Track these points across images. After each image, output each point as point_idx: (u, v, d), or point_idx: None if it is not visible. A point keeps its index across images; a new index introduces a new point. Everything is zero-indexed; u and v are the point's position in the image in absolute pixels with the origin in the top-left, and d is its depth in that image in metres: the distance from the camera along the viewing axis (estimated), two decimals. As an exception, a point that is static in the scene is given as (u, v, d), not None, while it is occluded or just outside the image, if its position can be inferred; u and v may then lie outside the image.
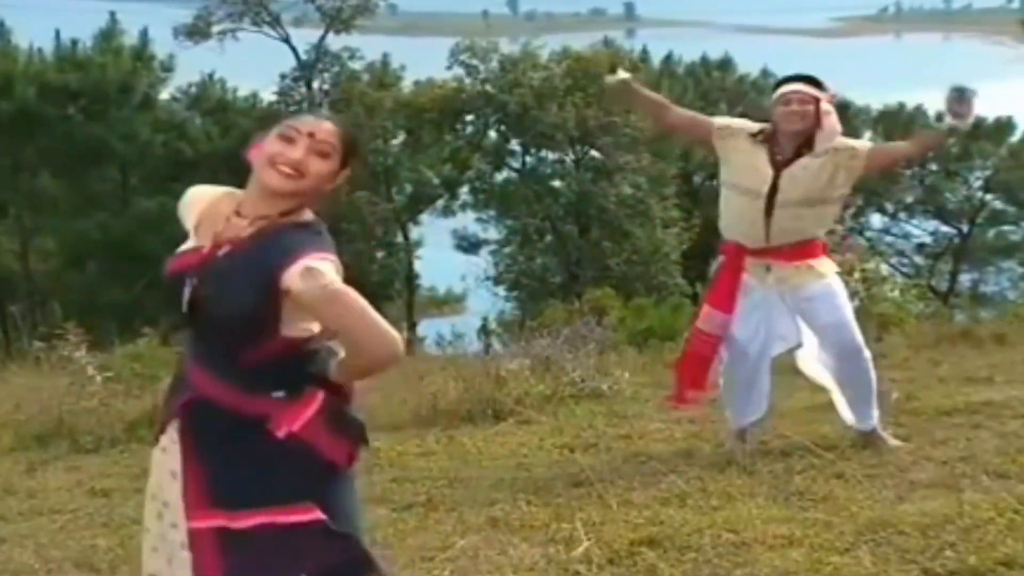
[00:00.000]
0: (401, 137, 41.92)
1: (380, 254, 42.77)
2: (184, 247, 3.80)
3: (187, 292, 3.67)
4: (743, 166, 6.92)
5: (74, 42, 39.22)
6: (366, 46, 42.20)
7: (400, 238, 42.35)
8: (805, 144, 6.85)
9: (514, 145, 41.08)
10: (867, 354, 7.00)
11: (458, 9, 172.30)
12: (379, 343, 3.59)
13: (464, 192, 43.31)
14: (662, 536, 5.55)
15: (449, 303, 49.22)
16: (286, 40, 41.24)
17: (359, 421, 3.82)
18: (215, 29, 40.88)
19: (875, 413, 7.09)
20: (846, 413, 7.21)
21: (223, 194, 3.97)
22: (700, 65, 47.94)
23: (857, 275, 12.37)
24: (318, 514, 3.66)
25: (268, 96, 41.78)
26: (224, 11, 40.77)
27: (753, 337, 7.00)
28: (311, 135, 3.82)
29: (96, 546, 6.15)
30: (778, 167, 6.82)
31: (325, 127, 3.89)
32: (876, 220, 45.35)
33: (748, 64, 48.99)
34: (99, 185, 38.95)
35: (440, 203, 43.18)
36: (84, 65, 37.96)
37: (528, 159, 41.19)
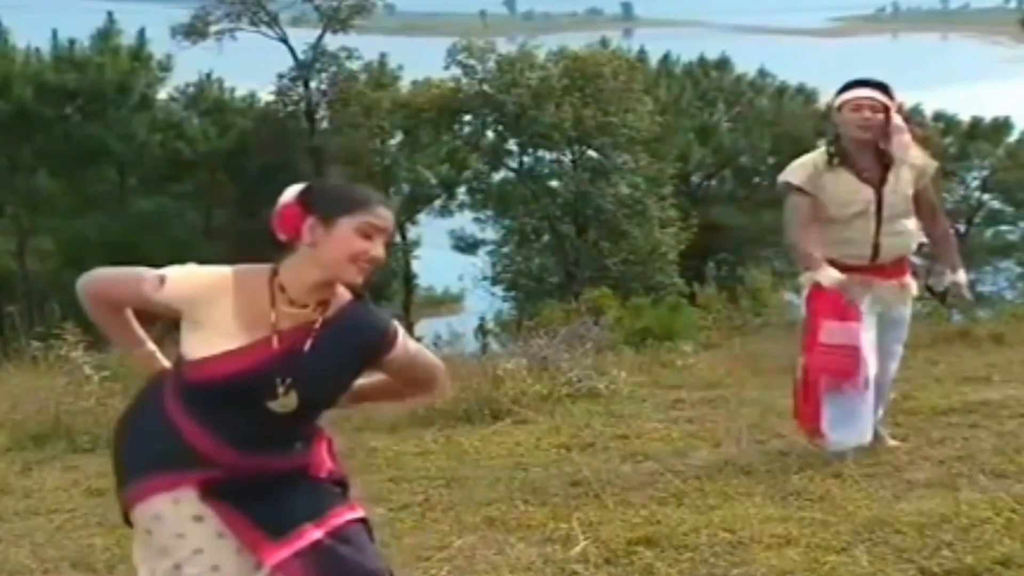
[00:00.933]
0: (399, 137, 41.93)
1: (378, 254, 42.71)
2: (232, 346, 3.62)
3: (282, 390, 3.62)
4: (842, 195, 6.67)
5: (71, 42, 39.21)
6: (364, 46, 42.19)
7: (398, 238, 42.33)
8: (883, 154, 6.67)
9: (511, 145, 41.06)
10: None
11: (455, 9, 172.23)
12: (440, 374, 4.09)
13: (462, 192, 43.32)
14: (659, 536, 5.55)
15: (447, 303, 49.22)
16: (284, 40, 41.23)
17: None
18: (213, 29, 40.87)
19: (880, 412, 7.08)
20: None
21: (248, 279, 3.70)
22: (697, 65, 47.93)
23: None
24: (362, 511, 3.91)
25: (266, 96, 41.82)
26: (222, 11, 40.75)
27: (867, 351, 6.73)
28: (384, 231, 3.71)
29: (93, 545, 6.14)
30: (872, 183, 6.66)
31: (390, 219, 3.76)
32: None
33: (745, 64, 49.02)
34: (97, 185, 38.97)
35: (438, 203, 43.19)
36: (82, 65, 37.95)
37: (525, 159, 41.19)
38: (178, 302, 3.65)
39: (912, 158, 6.71)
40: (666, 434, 8.01)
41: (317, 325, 3.65)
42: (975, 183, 45.41)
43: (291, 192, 3.70)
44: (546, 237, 40.90)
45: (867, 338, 6.72)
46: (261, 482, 3.71)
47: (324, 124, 41.52)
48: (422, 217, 43.36)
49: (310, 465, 3.81)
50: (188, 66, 41.30)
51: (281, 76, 40.97)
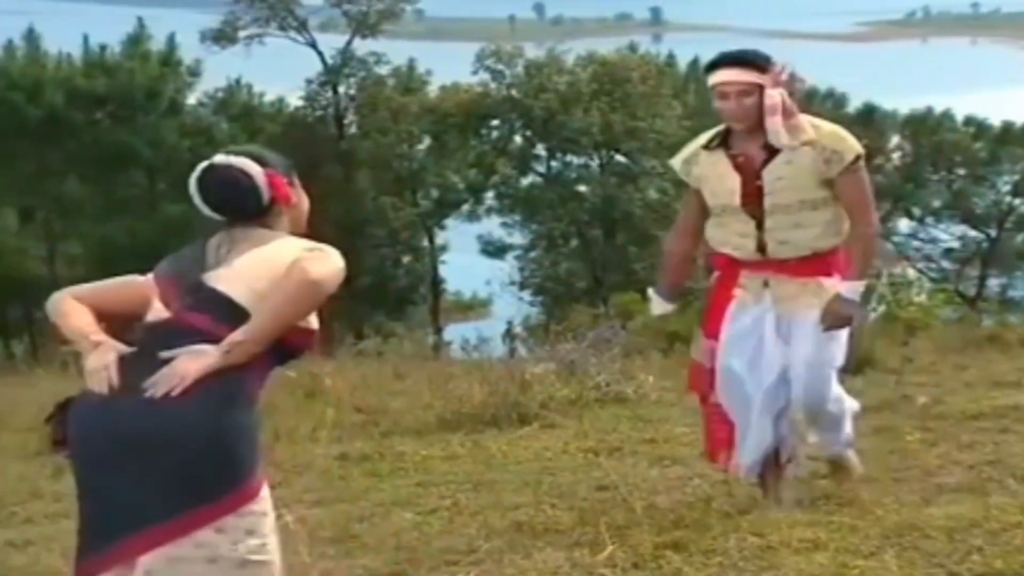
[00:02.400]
0: (426, 142, 42.01)
1: (406, 259, 42.89)
2: None
3: None
4: (712, 182, 5.79)
5: (102, 47, 39.43)
6: (392, 51, 42.29)
7: (425, 243, 42.42)
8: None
9: (539, 150, 41.13)
10: (835, 402, 5.96)
11: (484, 14, 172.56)
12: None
13: (489, 197, 43.34)
14: (687, 540, 5.53)
15: (474, 307, 49.27)
16: (312, 45, 41.35)
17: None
18: (242, 34, 41.04)
19: (844, 435, 6.16)
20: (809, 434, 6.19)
21: None
22: (726, 70, 47.86)
23: (884, 279, 12.34)
24: None
25: (294, 101, 41.92)
26: (251, 16, 40.92)
27: (750, 368, 5.87)
28: None
29: (121, 548, 6.17)
30: (746, 170, 5.68)
31: None
32: (903, 225, 45.20)
33: (774, 69, 48.92)
34: (126, 190, 39.13)
35: (465, 208, 43.22)
36: (112, 70, 38.15)
37: (553, 164, 41.23)
38: None
39: (814, 135, 5.60)
40: (694, 438, 7.96)
41: None
42: (1006, 188, 45.14)
43: (254, 166, 3.98)
44: (574, 242, 40.92)
45: (739, 360, 5.89)
46: None
47: (352, 129, 41.63)
48: (450, 222, 43.41)
49: None
50: (217, 71, 41.47)
51: (310, 81, 41.10)
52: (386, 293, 40.76)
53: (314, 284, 3.75)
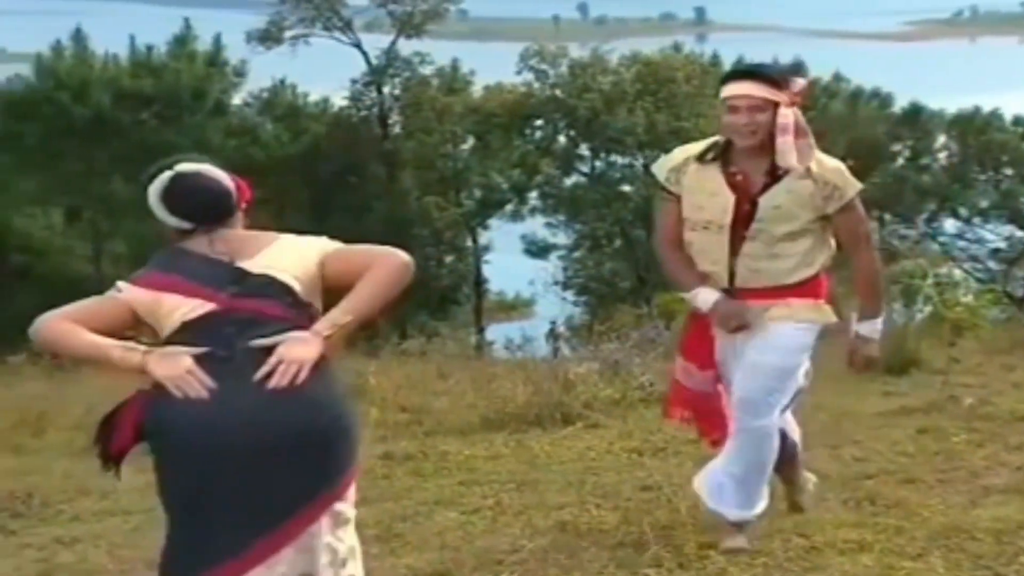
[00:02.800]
0: (470, 142, 42.06)
1: (449, 258, 42.94)
2: None
3: None
4: (700, 197, 5.39)
5: (149, 48, 39.64)
6: (436, 51, 42.37)
7: (469, 243, 42.46)
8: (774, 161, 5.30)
9: (583, 150, 41.09)
10: (773, 429, 5.51)
11: (528, 14, 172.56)
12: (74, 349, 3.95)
13: (533, 197, 43.32)
14: (732, 540, 5.52)
15: (518, 307, 49.24)
16: (357, 45, 41.48)
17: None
18: (287, 34, 41.23)
19: (760, 504, 5.58)
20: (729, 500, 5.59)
21: None
22: (771, 69, 47.63)
23: (930, 280, 12.26)
24: None
25: (339, 101, 42.04)
26: (296, 16, 41.10)
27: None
28: None
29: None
30: (742, 190, 5.31)
31: None
32: (950, 225, 44.88)
33: (819, 68, 48.64)
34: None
35: (509, 208, 43.22)
36: (158, 71, 38.36)
37: (597, 164, 41.18)
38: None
39: (816, 169, 5.27)
40: (738, 439, 7.95)
41: None
42: (1058, 188, 44.77)
43: (220, 171, 4.13)
44: (617, 241, 40.86)
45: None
46: None
47: (396, 129, 41.72)
48: (493, 222, 43.42)
49: None
50: (262, 72, 41.64)
51: (354, 81, 41.24)
52: (430, 293, 40.79)
53: (408, 266, 3.89)
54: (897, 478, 6.46)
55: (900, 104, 46.41)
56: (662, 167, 5.55)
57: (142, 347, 3.83)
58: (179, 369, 3.73)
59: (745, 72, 5.38)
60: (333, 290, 3.95)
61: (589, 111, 38.21)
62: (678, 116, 37.56)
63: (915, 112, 45.34)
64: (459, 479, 7.26)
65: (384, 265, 3.88)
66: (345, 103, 41.69)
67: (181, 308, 3.84)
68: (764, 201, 5.28)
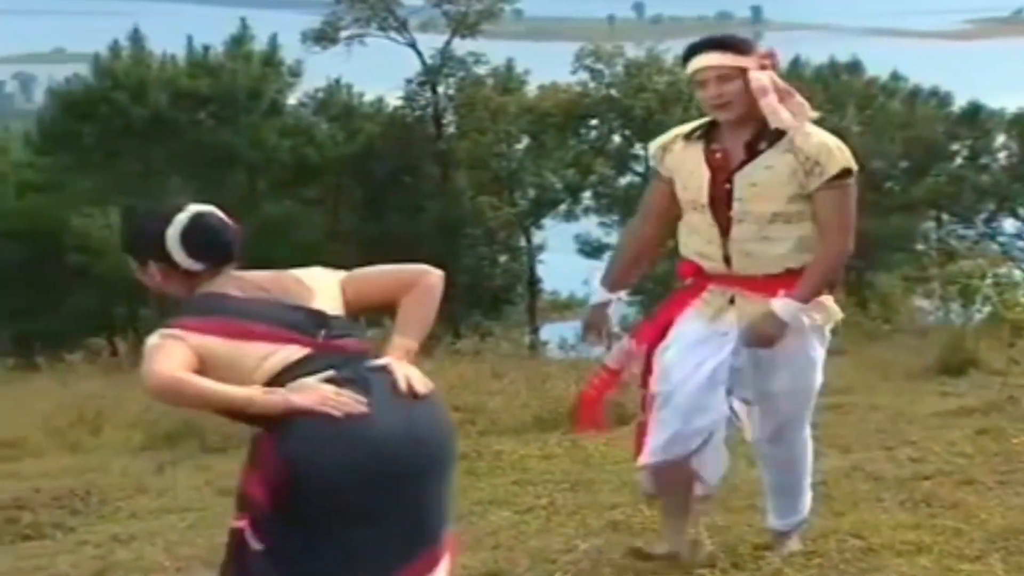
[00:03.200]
0: (525, 142, 42.06)
1: (503, 258, 42.97)
2: None
3: None
4: (683, 175, 5.16)
5: (206, 48, 39.90)
6: (491, 51, 42.39)
7: (523, 242, 42.46)
8: (760, 133, 5.01)
9: (638, 149, 40.98)
10: (807, 441, 5.38)
11: (583, 13, 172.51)
12: (213, 402, 3.73)
13: (587, 196, 43.26)
14: (787, 541, 5.48)
15: (572, 307, 49.12)
16: (412, 45, 41.56)
17: (273, 469, 3.70)
18: (343, 34, 41.34)
19: (803, 509, 5.44)
20: (770, 509, 5.52)
21: None
22: (828, 68, 47.36)
23: (989, 280, 12.16)
24: (243, 524, 3.78)
25: (393, 101, 42.12)
26: (352, 16, 41.20)
27: (684, 361, 5.14)
28: None
29: (224, 544, 6.22)
30: (715, 166, 5.06)
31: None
32: (1009, 225, 44.52)
33: (877, 67, 48.36)
34: (227, 190, 39.51)
35: (563, 207, 43.17)
36: (215, 71, 38.60)
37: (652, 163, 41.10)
38: None
39: (799, 143, 4.94)
40: (794, 439, 7.91)
41: None
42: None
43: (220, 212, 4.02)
44: (671, 242, 40.70)
45: (680, 356, 5.15)
46: None
47: (451, 129, 41.78)
48: (547, 221, 43.39)
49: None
50: (318, 71, 41.80)
51: (409, 81, 41.31)
52: (483, 292, 40.86)
53: (442, 280, 4.00)
54: (955, 479, 6.40)
55: (959, 103, 46.04)
56: (654, 145, 5.34)
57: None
58: (327, 392, 3.67)
59: (705, 44, 5.07)
60: (350, 314, 3.98)
61: (644, 111, 38.15)
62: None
63: (974, 111, 44.97)
64: (513, 479, 7.25)
65: (428, 285, 3.96)
66: (400, 103, 41.77)
67: (276, 355, 3.75)
68: (739, 178, 5.00)
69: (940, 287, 15.66)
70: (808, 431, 5.34)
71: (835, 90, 45.30)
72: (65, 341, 17.48)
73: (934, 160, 43.76)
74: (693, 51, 5.05)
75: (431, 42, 42.08)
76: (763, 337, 4.96)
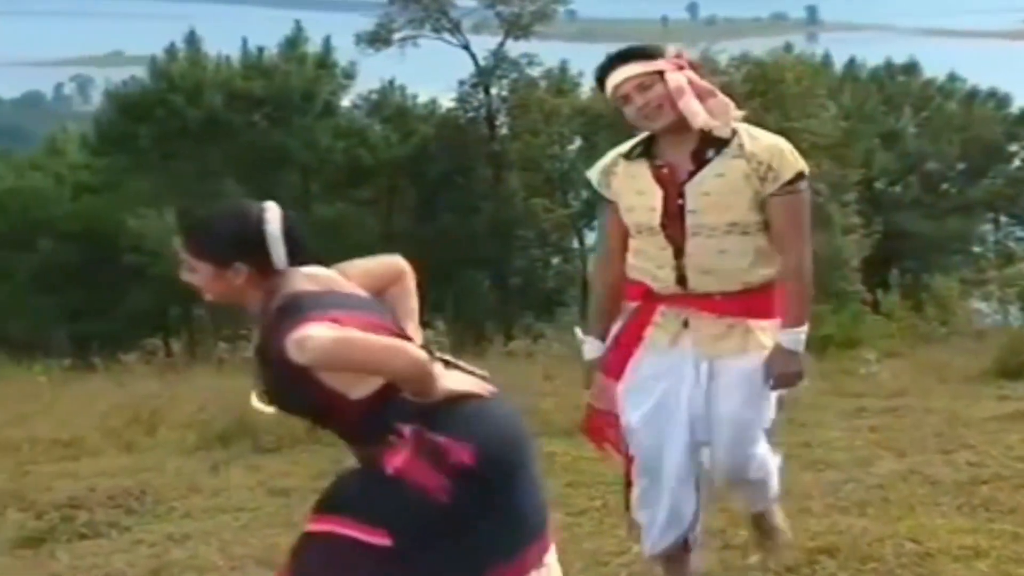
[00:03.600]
0: (577, 143, 42.00)
1: (555, 260, 42.98)
2: None
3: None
4: (629, 197, 4.84)
5: (260, 50, 40.10)
6: (544, 52, 42.40)
7: (576, 244, 42.41)
8: (704, 141, 4.73)
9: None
10: (759, 467, 4.99)
11: (637, 15, 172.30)
12: (393, 362, 3.61)
13: (641, 198, 43.15)
14: (842, 545, 5.44)
15: (625, 309, 49.17)
16: (465, 47, 41.61)
17: (455, 453, 3.66)
18: (396, 36, 41.41)
19: (771, 491, 5.16)
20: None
21: None
22: (884, 69, 47.10)
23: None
24: (384, 540, 3.61)
25: (447, 102, 42.19)
26: (405, 18, 41.29)
27: (657, 428, 4.87)
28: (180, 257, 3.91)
29: (277, 544, 6.22)
30: (664, 181, 4.73)
31: (179, 246, 3.90)
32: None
33: (934, 68, 48.05)
34: (280, 191, 39.62)
35: (616, 209, 43.03)
36: (269, 73, 38.79)
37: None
38: None
39: (749, 147, 4.73)
40: (849, 443, 7.86)
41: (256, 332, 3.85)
42: None
43: None
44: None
45: (643, 418, 4.88)
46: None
47: (504, 130, 41.80)
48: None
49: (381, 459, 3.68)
50: (371, 73, 41.92)
51: (462, 82, 41.37)
52: (536, 294, 40.87)
53: None
54: (1013, 483, 6.33)
55: (1017, 104, 45.68)
56: (594, 170, 4.99)
57: None
58: (464, 375, 3.83)
59: (613, 60, 4.79)
60: None
61: (698, 112, 38.00)
62: (788, 116, 37.17)
63: (1030, 112, 44.66)
64: (566, 481, 7.23)
65: (411, 275, 4.08)
66: (453, 104, 41.84)
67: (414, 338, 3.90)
68: (691, 188, 4.69)
69: (998, 289, 15.55)
70: (764, 446, 4.96)
71: (891, 91, 45.09)
72: (121, 342, 17.60)
73: (992, 162, 43.43)
74: (604, 71, 4.80)
75: (484, 43, 42.13)
76: (788, 377, 4.77)
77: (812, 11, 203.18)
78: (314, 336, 3.47)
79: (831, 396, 9.83)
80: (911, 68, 47.27)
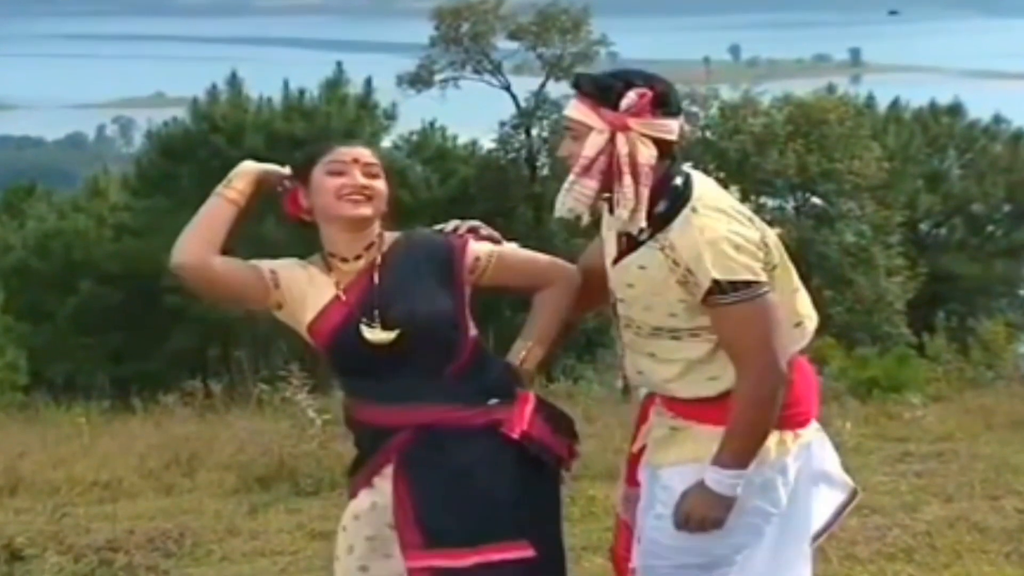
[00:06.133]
0: (619, 184, 41.99)
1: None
2: (311, 316, 3.93)
3: (371, 332, 3.78)
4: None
5: (301, 92, 40.22)
6: (586, 93, 42.40)
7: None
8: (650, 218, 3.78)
9: (733, 192, 40.76)
10: None
11: (679, 56, 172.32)
12: (559, 263, 4.19)
13: (683, 238, 43.06)
14: (888, 593, 5.35)
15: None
16: (507, 88, 41.71)
17: (567, 414, 4.10)
18: (437, 77, 41.57)
19: None
20: None
21: (311, 261, 4.10)
22: (928, 110, 46.90)
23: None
24: (529, 551, 3.72)
25: (487, 143, 42.27)
26: (446, 60, 41.45)
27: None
28: (356, 161, 3.94)
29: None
30: (615, 251, 3.95)
31: (356, 150, 4.01)
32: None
33: (979, 109, 47.78)
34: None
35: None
36: (310, 114, 38.90)
37: (747, 205, 40.90)
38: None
39: (669, 240, 3.73)
40: (894, 488, 7.76)
41: (377, 261, 3.87)
42: None
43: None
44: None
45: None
46: (454, 455, 3.75)
47: (545, 171, 41.81)
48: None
49: (502, 422, 3.82)
50: (412, 114, 42.05)
51: (503, 124, 41.44)
52: (576, 335, 40.78)
53: None
54: None
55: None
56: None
57: None
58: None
59: (573, 83, 3.91)
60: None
61: (739, 152, 37.94)
62: (831, 158, 37.08)
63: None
64: (606, 524, 7.12)
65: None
66: (493, 145, 41.93)
67: None
68: (616, 274, 3.91)
69: (1045, 333, 15.35)
70: None
71: (935, 132, 44.88)
72: (161, 383, 17.61)
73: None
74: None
75: (526, 85, 42.21)
76: (699, 521, 3.76)
77: (855, 53, 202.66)
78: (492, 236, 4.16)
79: (876, 440, 9.72)
80: (955, 109, 47.01)
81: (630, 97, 3.71)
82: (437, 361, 3.82)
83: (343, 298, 3.85)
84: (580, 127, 3.78)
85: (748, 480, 3.75)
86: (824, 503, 4.07)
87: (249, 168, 3.97)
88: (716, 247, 3.65)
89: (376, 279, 3.87)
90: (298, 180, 4.11)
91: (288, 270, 4.00)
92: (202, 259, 3.77)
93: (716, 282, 3.63)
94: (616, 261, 3.88)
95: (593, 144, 3.73)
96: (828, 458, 4.09)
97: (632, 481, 4.14)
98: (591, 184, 3.80)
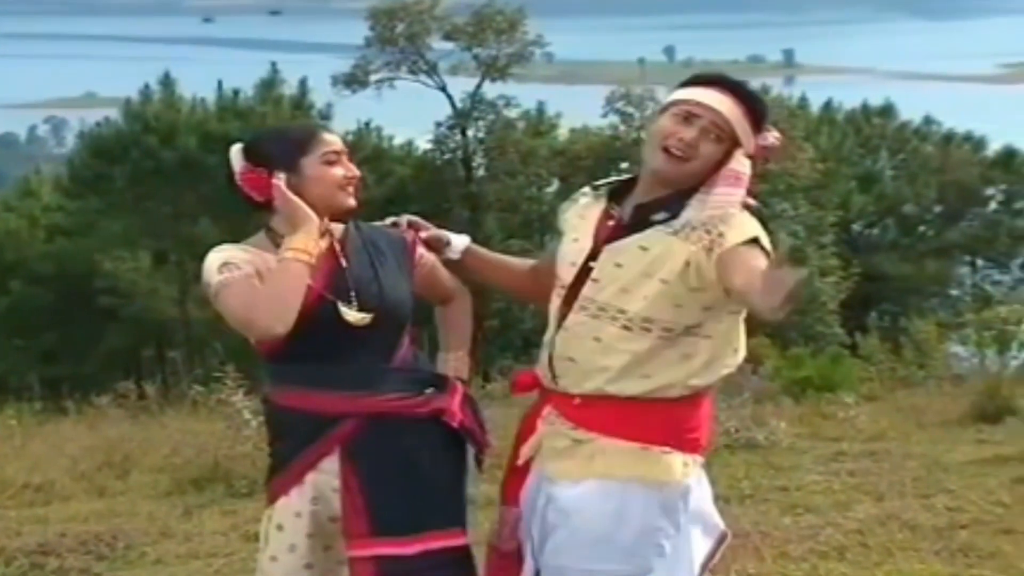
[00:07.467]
0: (555, 185, 42.03)
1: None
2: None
3: (351, 313, 3.81)
4: (565, 242, 3.91)
5: (236, 92, 40.01)
6: (522, 94, 42.49)
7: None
8: (666, 201, 3.75)
9: (669, 192, 40.95)
10: None
11: (614, 57, 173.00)
12: (461, 288, 4.32)
13: (618, 239, 43.20)
14: (821, 592, 5.39)
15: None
16: (442, 88, 41.66)
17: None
18: (373, 78, 41.45)
19: None
20: None
21: (257, 244, 4.20)
22: (860, 112, 47.29)
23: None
24: (464, 539, 3.87)
25: (423, 144, 42.22)
26: (382, 60, 41.34)
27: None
28: (343, 151, 4.16)
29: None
30: (601, 235, 3.80)
31: (338, 138, 4.18)
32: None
33: (911, 111, 48.24)
34: (257, 231, 39.65)
35: (594, 251, 43.09)
36: (245, 114, 38.69)
37: (682, 207, 41.05)
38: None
39: (709, 228, 3.64)
40: (827, 487, 7.83)
41: (337, 246, 3.91)
42: None
43: (240, 159, 4.12)
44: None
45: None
46: (401, 444, 3.79)
47: (481, 172, 41.81)
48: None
49: (443, 411, 3.89)
50: (348, 115, 41.90)
51: (439, 124, 41.39)
52: (514, 336, 40.80)
53: None
54: (992, 528, 6.30)
55: (993, 147, 45.93)
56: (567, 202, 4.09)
57: None
58: None
59: (730, 84, 3.85)
60: None
61: (675, 154, 38.11)
62: (765, 159, 37.35)
63: (1010, 155, 44.89)
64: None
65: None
66: (429, 146, 41.88)
67: None
68: (608, 252, 3.72)
69: (975, 333, 15.54)
70: None
71: (868, 134, 45.27)
72: (94, 384, 17.47)
73: (968, 205, 43.60)
74: (706, 82, 3.88)
75: (461, 85, 42.18)
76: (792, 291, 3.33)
77: (789, 54, 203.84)
78: None
79: (810, 440, 9.81)
80: (887, 111, 47.44)
81: (773, 140, 3.89)
82: (390, 347, 3.89)
83: (309, 281, 3.79)
84: (725, 132, 3.75)
85: (653, 500, 3.65)
86: (698, 544, 3.89)
87: (311, 225, 3.80)
88: (742, 215, 3.76)
89: (344, 263, 3.90)
90: (280, 168, 3.98)
91: (252, 262, 3.98)
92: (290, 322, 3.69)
93: (752, 238, 3.65)
94: (606, 243, 3.73)
95: (742, 162, 3.77)
96: (705, 497, 3.95)
97: (512, 500, 3.95)
98: (739, 192, 3.80)
